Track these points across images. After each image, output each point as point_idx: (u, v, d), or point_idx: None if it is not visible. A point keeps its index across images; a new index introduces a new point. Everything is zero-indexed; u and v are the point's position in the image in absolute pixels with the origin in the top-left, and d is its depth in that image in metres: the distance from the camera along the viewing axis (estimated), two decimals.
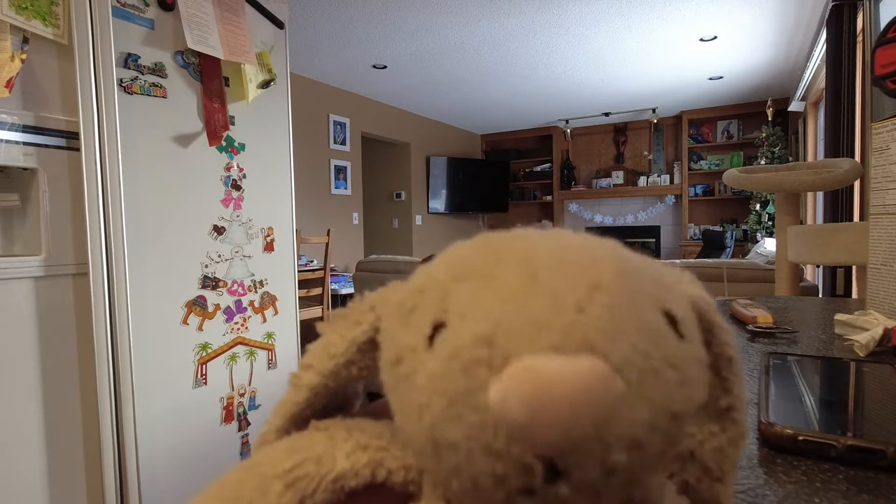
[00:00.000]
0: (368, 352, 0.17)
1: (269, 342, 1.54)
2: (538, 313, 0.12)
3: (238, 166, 1.43)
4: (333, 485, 0.15)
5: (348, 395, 0.21)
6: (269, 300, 1.53)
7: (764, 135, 4.92)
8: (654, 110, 5.80)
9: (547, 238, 0.14)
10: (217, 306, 1.39)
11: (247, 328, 1.47)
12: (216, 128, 1.35)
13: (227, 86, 1.40)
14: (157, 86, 1.24)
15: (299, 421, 0.19)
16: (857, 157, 2.47)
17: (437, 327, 0.13)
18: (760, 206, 4.87)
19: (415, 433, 0.13)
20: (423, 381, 0.13)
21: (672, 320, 0.13)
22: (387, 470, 0.16)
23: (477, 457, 0.12)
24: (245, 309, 1.46)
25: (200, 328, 1.34)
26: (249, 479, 0.16)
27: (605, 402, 0.11)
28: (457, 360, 0.12)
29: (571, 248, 0.13)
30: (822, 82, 3.36)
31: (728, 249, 5.02)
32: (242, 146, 1.45)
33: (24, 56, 1.04)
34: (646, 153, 6.34)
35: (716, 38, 3.62)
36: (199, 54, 1.31)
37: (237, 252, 1.44)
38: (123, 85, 1.17)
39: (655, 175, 6.20)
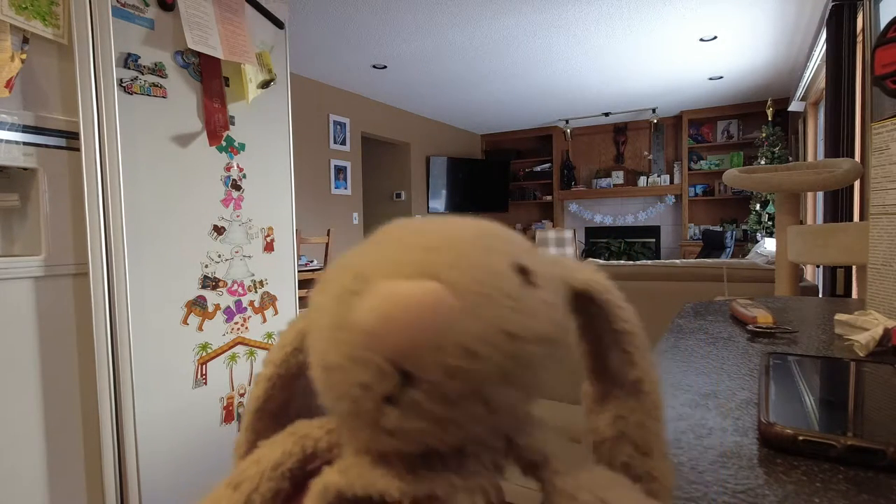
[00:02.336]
0: None
1: (269, 342, 1.54)
2: (398, 255, 0.15)
3: (238, 166, 1.43)
4: (273, 472, 0.17)
5: (312, 406, 0.21)
6: (269, 300, 1.53)
7: (764, 135, 4.92)
8: (654, 110, 5.80)
9: (430, 219, 0.17)
10: (217, 306, 1.39)
11: (247, 328, 1.47)
12: (216, 128, 1.35)
13: (227, 86, 1.40)
14: (157, 86, 1.24)
15: (266, 416, 0.20)
16: (857, 157, 2.47)
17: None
18: (760, 206, 4.87)
19: (317, 374, 0.15)
20: (323, 323, 0.15)
21: (523, 272, 0.15)
22: (312, 440, 0.18)
23: (348, 370, 0.14)
24: (245, 309, 1.46)
25: (200, 328, 1.34)
26: (206, 496, 0.18)
27: (441, 314, 0.13)
28: (337, 297, 0.15)
29: (443, 222, 0.16)
30: (822, 82, 3.36)
31: (728, 249, 5.03)
32: (242, 146, 1.45)
33: (24, 56, 1.04)
34: (646, 153, 6.34)
35: (716, 38, 3.62)
36: (199, 54, 1.31)
37: (237, 252, 1.44)
38: (123, 85, 1.17)
39: (655, 175, 6.20)
